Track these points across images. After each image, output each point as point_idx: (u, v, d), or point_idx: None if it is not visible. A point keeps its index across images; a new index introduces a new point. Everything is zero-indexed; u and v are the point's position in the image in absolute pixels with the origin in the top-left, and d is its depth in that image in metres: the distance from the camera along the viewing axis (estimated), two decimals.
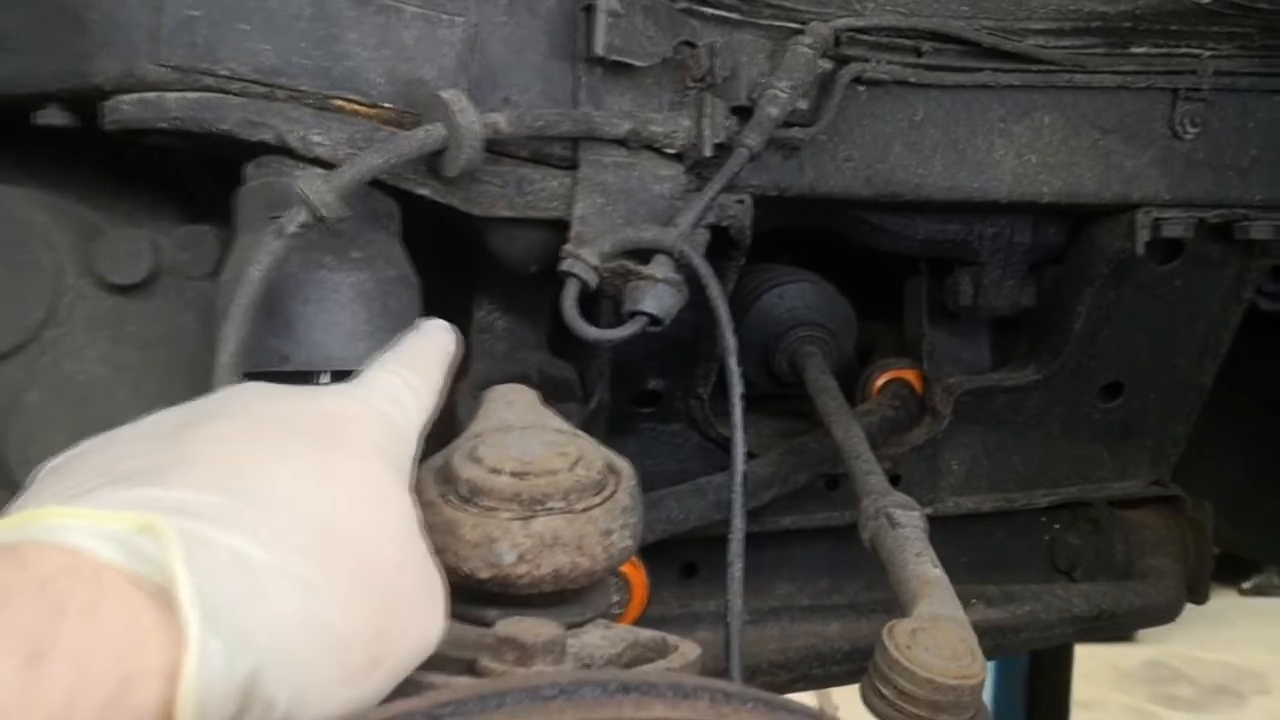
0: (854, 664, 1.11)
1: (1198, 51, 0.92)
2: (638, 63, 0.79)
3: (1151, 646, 3.23)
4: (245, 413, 0.48)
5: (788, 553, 1.21)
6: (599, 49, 0.77)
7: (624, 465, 0.58)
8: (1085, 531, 1.25)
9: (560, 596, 0.55)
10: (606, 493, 0.56)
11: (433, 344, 0.62)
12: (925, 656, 0.66)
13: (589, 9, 0.79)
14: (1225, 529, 1.27)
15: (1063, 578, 1.27)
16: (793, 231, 1.09)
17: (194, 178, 0.96)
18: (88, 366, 0.88)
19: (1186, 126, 0.94)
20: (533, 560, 0.52)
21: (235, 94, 0.75)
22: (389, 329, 0.77)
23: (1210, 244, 1.06)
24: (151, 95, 0.74)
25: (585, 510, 0.54)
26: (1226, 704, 3.06)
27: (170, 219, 0.94)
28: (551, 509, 0.53)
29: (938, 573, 0.76)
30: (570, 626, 0.54)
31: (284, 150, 0.75)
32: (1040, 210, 1.00)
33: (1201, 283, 1.10)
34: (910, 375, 1.18)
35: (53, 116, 0.78)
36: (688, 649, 0.54)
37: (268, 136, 0.74)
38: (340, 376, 0.77)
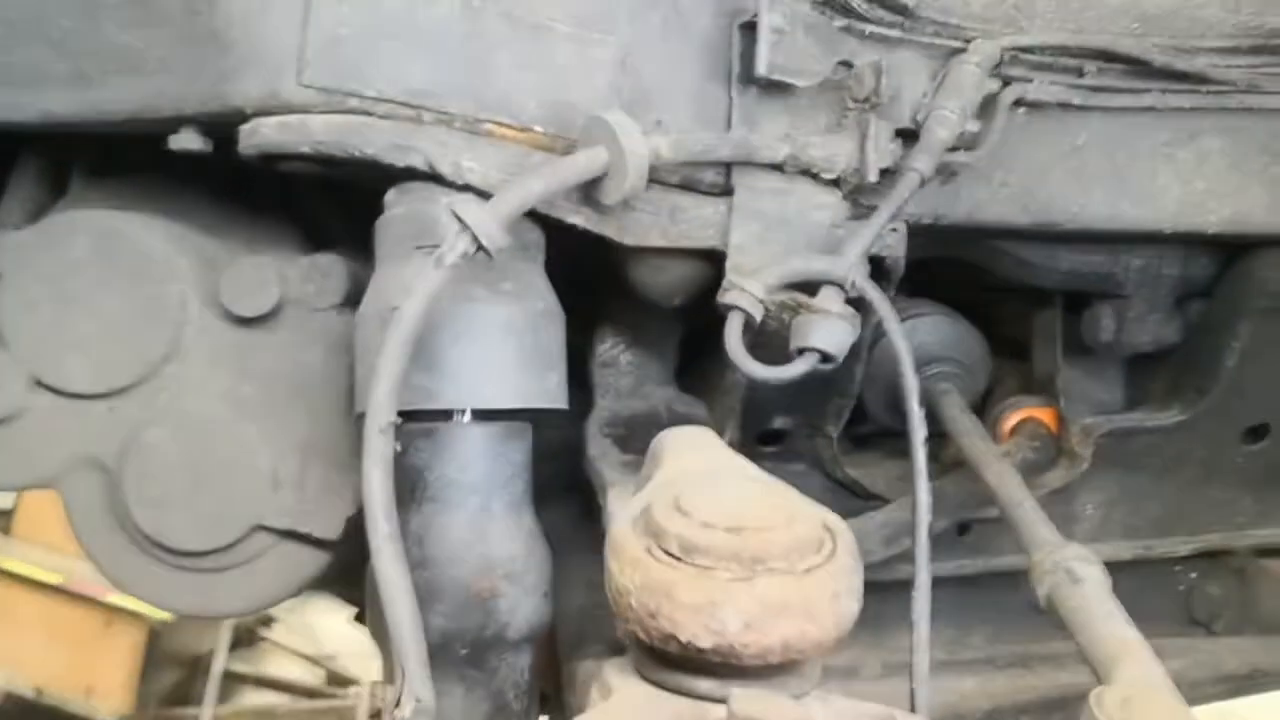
0: None
1: None
2: (800, 82, 0.74)
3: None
4: None
5: (908, 603, 1.15)
6: (763, 68, 0.73)
7: (837, 521, 0.53)
8: (1227, 582, 1.17)
9: (783, 667, 0.49)
10: (826, 551, 0.50)
11: None
12: None
13: (749, 26, 0.74)
14: None
15: (1199, 630, 1.19)
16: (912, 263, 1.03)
17: (316, 205, 0.92)
18: (209, 402, 0.84)
19: None
20: (759, 628, 0.47)
21: (381, 117, 0.71)
22: (540, 365, 0.73)
23: None
24: (294, 118, 0.70)
25: (808, 571, 0.49)
26: None
27: (290, 247, 0.91)
28: (774, 569, 0.48)
29: (1135, 634, 0.70)
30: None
31: (433, 177, 0.71)
32: (1205, 241, 0.93)
33: None
34: (1044, 414, 1.12)
35: (188, 140, 0.74)
36: None
37: (416, 162, 0.70)
38: (484, 415, 0.72)
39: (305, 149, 0.70)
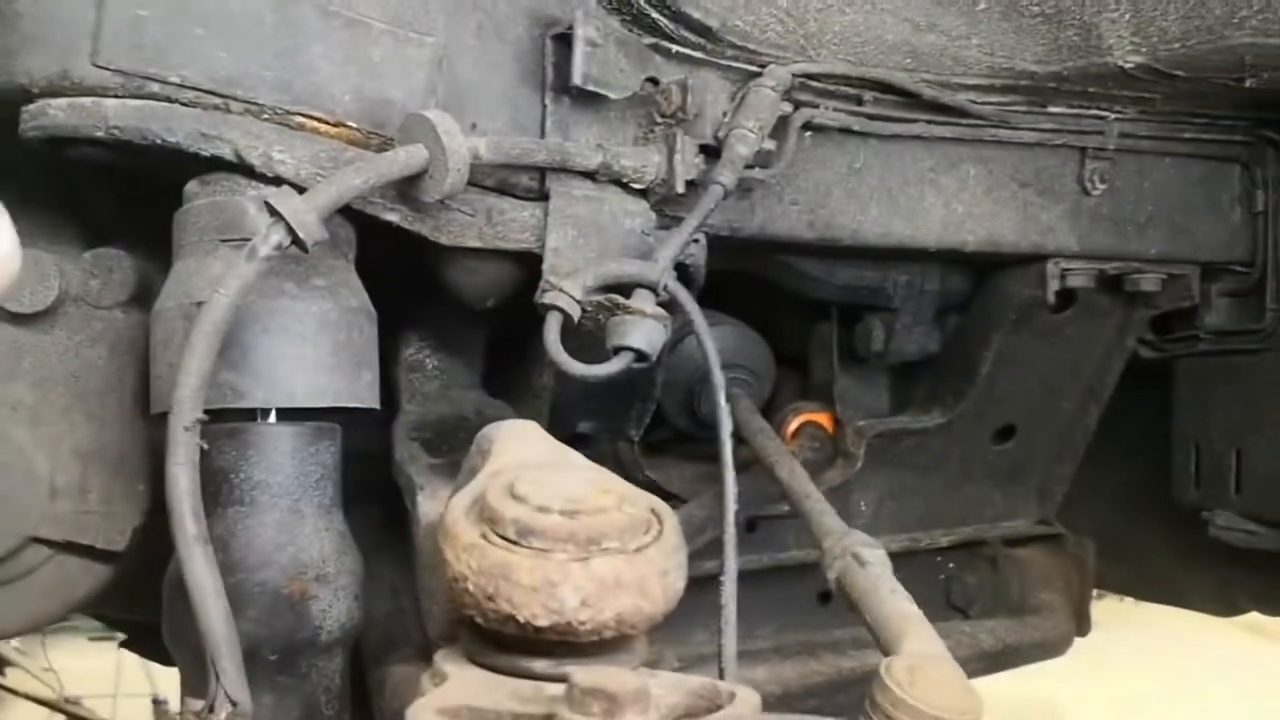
0: (787, 708, 1.10)
1: (1105, 113, 0.98)
2: (612, 94, 0.77)
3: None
4: None
5: (702, 599, 1.20)
6: (577, 78, 0.75)
7: (662, 504, 0.56)
8: (981, 570, 1.29)
9: (614, 644, 0.51)
10: (655, 531, 0.53)
11: None
12: (929, 694, 0.66)
13: (562, 37, 0.77)
14: (1099, 565, 1.35)
15: (958, 615, 1.31)
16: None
17: (99, 197, 0.86)
18: None
19: (1095, 183, 1.00)
20: (596, 604, 0.49)
21: (185, 104, 0.68)
22: (352, 364, 0.72)
23: (1097, 294, 1.13)
24: (87, 101, 0.66)
25: (639, 550, 0.51)
26: None
27: (70, 242, 0.85)
28: (608, 549, 0.50)
29: (916, 610, 0.76)
30: None
31: (240, 168, 0.69)
32: (963, 259, 1.04)
33: (1089, 331, 1.17)
34: (822, 418, 1.20)
35: None
36: (747, 694, 0.51)
37: (224, 152, 0.68)
38: (294, 415, 0.71)
39: (99, 134, 0.67)
